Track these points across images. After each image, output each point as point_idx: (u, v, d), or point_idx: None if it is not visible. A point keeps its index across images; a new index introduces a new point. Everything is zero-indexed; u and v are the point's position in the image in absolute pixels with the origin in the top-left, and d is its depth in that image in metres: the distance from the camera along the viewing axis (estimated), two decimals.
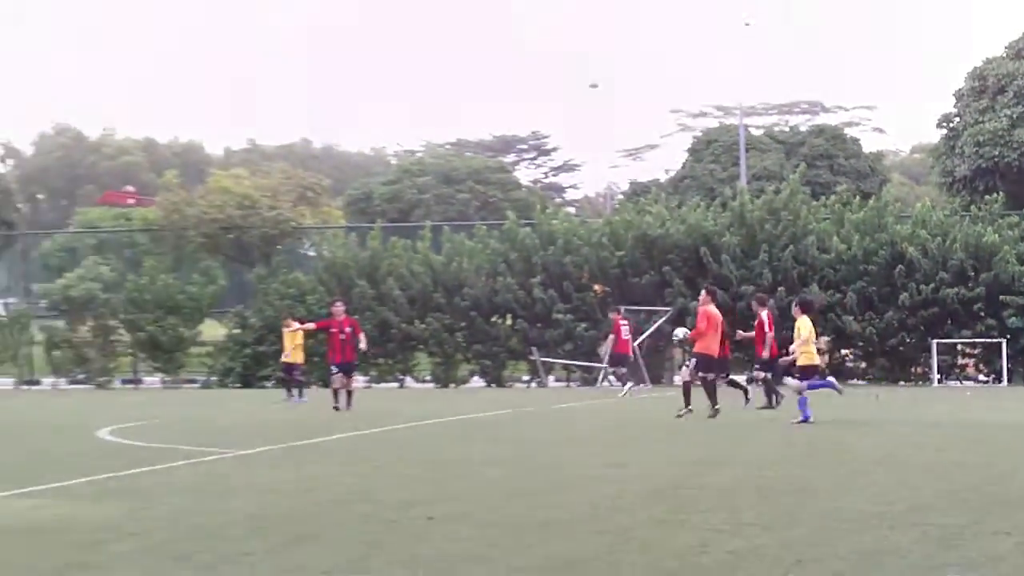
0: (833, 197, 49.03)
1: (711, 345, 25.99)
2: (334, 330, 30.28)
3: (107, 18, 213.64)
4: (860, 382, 44.43)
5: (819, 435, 23.09)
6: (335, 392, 30.40)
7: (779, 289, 40.69)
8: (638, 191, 68.59)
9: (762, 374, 29.01)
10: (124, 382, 53.04)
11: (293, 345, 36.18)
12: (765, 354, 28.62)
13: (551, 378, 46.75)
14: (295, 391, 36.17)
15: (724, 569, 9.40)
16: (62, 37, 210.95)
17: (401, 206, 72.40)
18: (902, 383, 44.75)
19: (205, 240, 54.84)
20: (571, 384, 47.15)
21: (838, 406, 27.16)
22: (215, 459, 21.09)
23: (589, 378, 44.56)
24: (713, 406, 25.11)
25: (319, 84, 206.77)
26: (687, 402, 25.44)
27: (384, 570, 9.66)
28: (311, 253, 56.03)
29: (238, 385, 47.49)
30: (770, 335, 28.75)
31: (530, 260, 45.87)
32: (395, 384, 49.04)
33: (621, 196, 75.79)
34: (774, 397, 28.44)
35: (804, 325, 24.67)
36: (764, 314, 29.30)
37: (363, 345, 30.97)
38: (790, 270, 42.66)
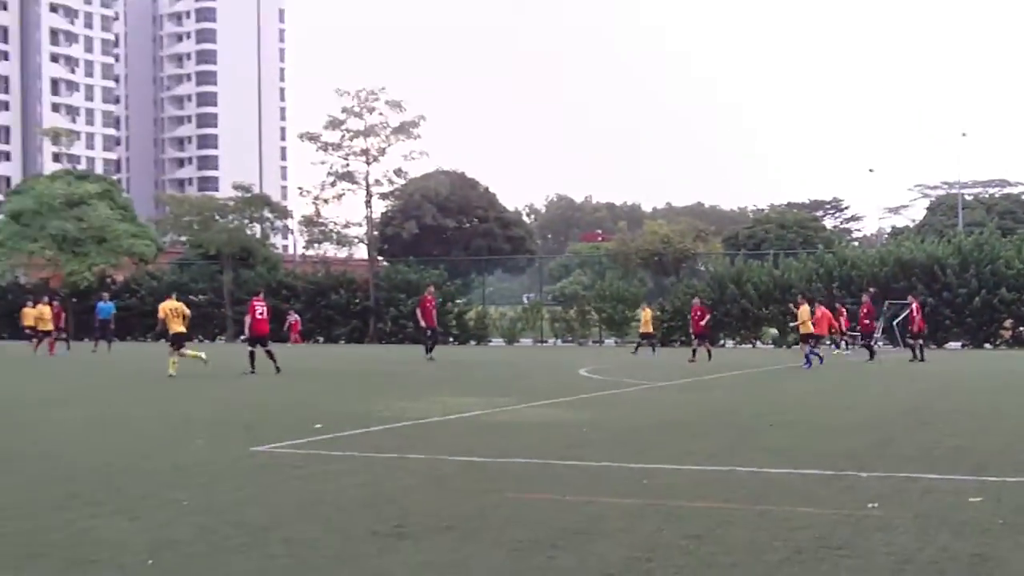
0: (1015, 236, 64.64)
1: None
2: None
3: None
4: None
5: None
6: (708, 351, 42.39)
7: (981, 291, 57.71)
8: (896, 232, 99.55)
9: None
10: (593, 342, 67.24)
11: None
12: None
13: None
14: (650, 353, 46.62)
15: (955, 453, 14.58)
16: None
17: (755, 241, 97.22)
18: None
19: (640, 261, 75.79)
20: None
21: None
22: (646, 387, 28.37)
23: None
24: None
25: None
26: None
27: (746, 455, 14.00)
28: (701, 268, 73.96)
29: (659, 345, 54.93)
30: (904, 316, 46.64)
31: (831, 274, 62.00)
32: (748, 346, 62.94)
33: (887, 235, 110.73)
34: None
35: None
36: (914, 305, 44.93)
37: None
38: (988, 280, 58.56)
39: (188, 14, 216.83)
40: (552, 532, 9.54)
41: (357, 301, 71.80)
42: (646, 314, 52.19)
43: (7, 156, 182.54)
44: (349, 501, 11.16)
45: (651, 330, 51.56)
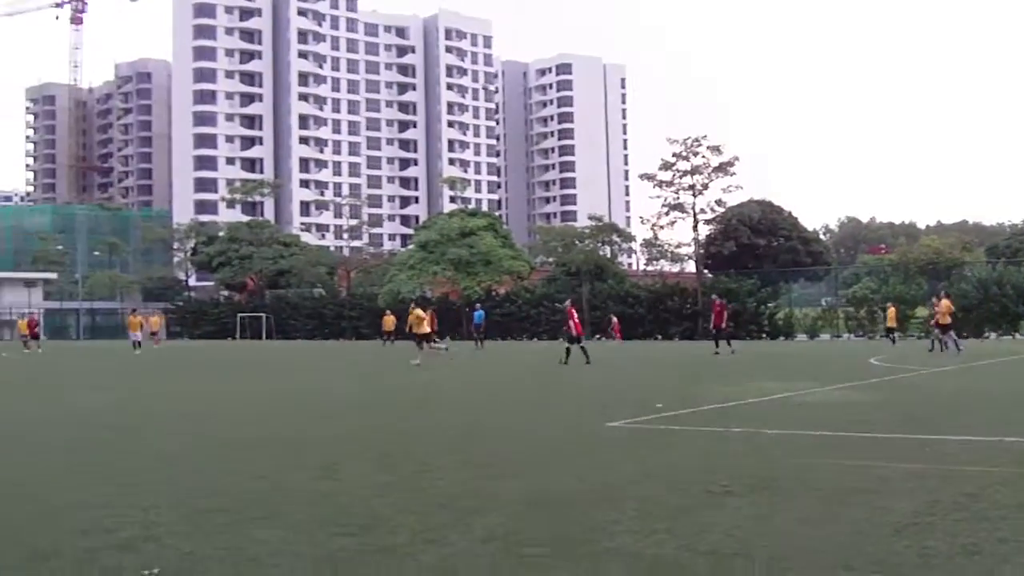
0: None
1: None
2: None
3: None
4: None
5: None
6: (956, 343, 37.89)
7: None
8: None
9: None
10: (880, 336, 59.56)
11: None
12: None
13: None
14: (950, 344, 38.53)
15: None
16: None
17: (1012, 250, 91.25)
18: None
19: (918, 269, 74.36)
20: None
21: None
22: (925, 373, 27.50)
23: None
24: None
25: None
26: None
27: (1012, 427, 13.46)
28: (968, 274, 69.80)
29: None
30: None
31: None
32: (1008, 337, 59.16)
33: None
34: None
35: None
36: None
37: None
38: None
39: (551, 85, 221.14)
40: (846, 490, 9.42)
41: (688, 306, 71.89)
42: (943, 305, 41.48)
43: (416, 200, 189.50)
44: (686, 466, 11.18)
45: (948, 321, 42.00)
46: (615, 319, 69.93)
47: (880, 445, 12.93)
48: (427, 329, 36.38)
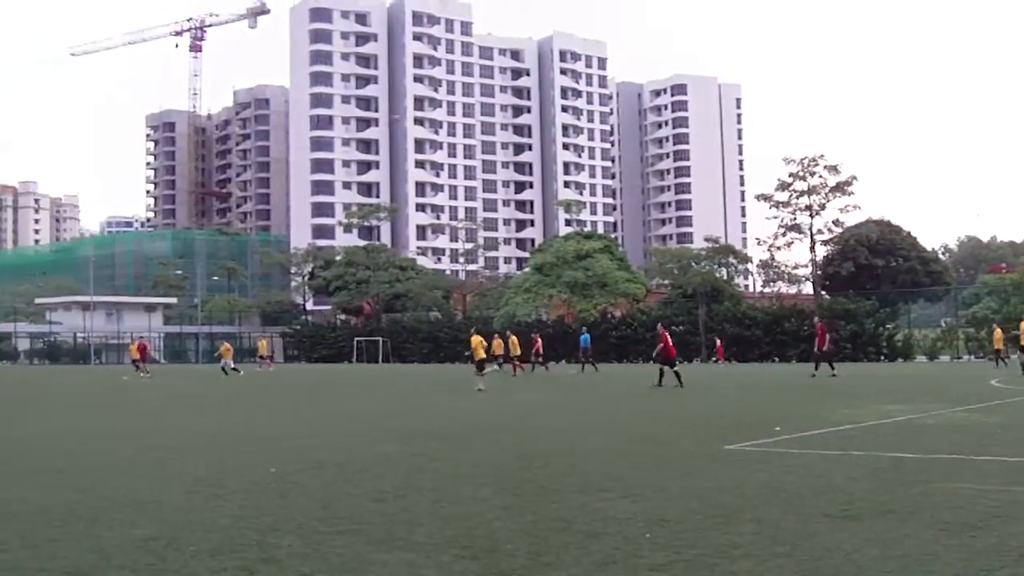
0: None
1: None
2: None
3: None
4: None
5: None
6: None
7: None
8: None
9: None
10: (1001, 359, 50.13)
11: None
12: None
13: None
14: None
15: None
16: None
17: None
18: None
19: None
20: None
21: None
22: None
23: None
24: None
25: None
26: None
27: None
28: None
29: None
30: None
31: None
32: None
33: None
34: None
35: None
36: None
37: None
38: None
39: (666, 106, 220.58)
40: (974, 515, 9.18)
41: (805, 328, 71.03)
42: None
43: (532, 223, 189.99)
44: (804, 489, 11.02)
45: None
46: (719, 341, 69.63)
47: (1008, 469, 12.61)
48: (483, 355, 36.42)
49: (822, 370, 40.94)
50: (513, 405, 27.77)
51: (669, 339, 35.13)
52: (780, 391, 32.71)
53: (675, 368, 34.55)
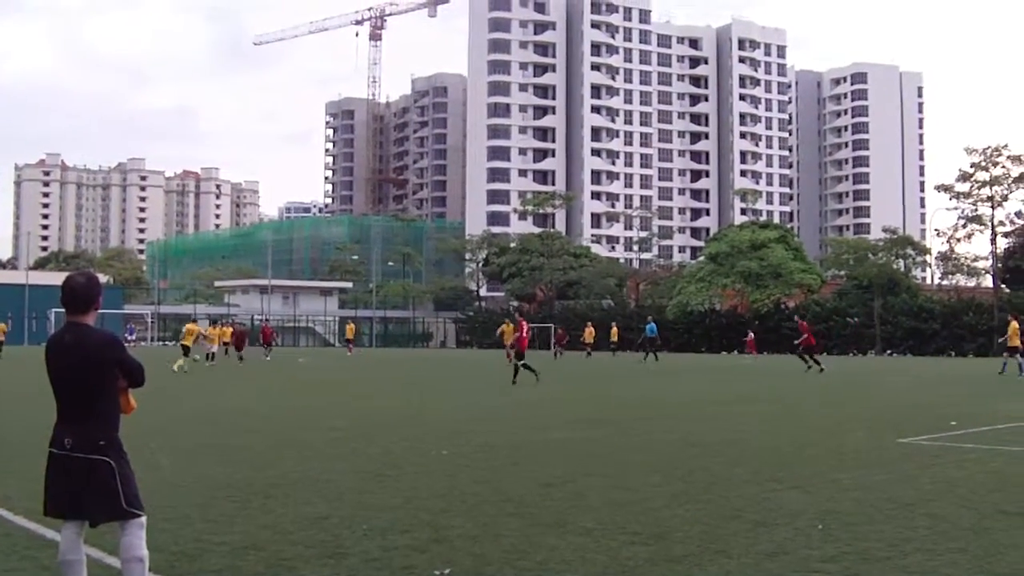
0: None
1: None
2: None
3: None
4: None
5: None
6: None
7: None
8: None
9: None
10: None
11: None
12: None
13: None
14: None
15: None
16: None
17: None
18: None
19: None
20: None
21: None
22: None
23: None
24: None
25: None
26: None
27: None
28: None
29: None
30: None
31: None
32: None
33: None
34: None
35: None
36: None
37: None
38: None
39: (845, 95, 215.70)
40: None
41: (984, 323, 68.93)
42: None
43: (707, 212, 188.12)
44: (979, 485, 10.78)
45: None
46: (751, 334, 68.03)
47: None
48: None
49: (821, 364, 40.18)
50: (678, 393, 27.69)
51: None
52: (957, 385, 31.81)
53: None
